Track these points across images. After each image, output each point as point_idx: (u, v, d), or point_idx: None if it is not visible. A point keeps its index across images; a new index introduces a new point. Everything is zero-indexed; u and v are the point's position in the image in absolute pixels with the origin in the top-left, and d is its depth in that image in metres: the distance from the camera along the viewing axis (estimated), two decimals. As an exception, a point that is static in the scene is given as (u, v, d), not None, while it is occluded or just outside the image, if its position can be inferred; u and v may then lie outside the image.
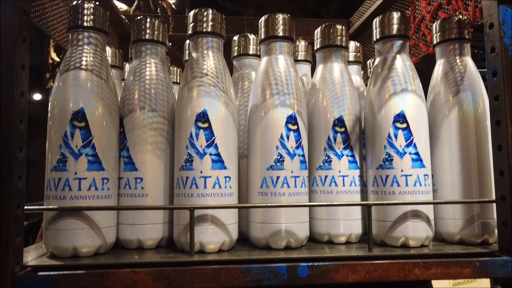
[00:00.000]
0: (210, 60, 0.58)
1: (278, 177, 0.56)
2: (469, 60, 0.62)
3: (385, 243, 0.57)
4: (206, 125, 0.55)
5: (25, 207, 0.48)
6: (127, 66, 0.85)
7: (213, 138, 0.55)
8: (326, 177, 0.60)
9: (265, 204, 0.54)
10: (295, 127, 0.57)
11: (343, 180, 0.59)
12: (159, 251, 0.55)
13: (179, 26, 1.39)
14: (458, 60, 0.62)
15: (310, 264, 0.48)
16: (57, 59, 2.38)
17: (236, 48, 0.71)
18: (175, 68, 0.86)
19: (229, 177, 0.55)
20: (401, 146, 0.56)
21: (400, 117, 0.57)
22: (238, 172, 0.59)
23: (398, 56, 0.60)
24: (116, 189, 0.57)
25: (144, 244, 0.56)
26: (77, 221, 0.51)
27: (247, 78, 0.70)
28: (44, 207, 0.51)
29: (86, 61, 0.55)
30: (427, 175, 0.57)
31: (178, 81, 0.85)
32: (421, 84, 0.60)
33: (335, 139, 0.60)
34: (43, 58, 2.44)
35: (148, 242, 0.56)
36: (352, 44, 0.78)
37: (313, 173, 0.61)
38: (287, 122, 0.57)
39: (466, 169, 0.58)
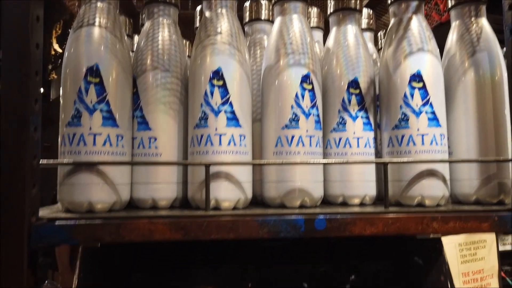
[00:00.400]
0: (224, 19, 0.57)
1: (293, 136, 0.55)
2: (485, 22, 0.61)
3: (400, 204, 0.56)
4: (221, 82, 0.54)
5: (40, 162, 0.47)
6: (136, 38, 0.84)
7: (228, 95, 0.54)
8: (340, 139, 0.59)
9: (281, 161, 0.54)
10: (310, 87, 0.57)
11: (358, 141, 0.59)
12: (173, 210, 0.55)
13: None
14: (473, 22, 0.61)
15: (328, 217, 0.48)
16: (60, 50, 2.37)
17: (248, 13, 0.71)
18: (184, 41, 0.86)
19: (244, 136, 0.55)
20: (417, 105, 0.56)
21: (417, 77, 0.56)
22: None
23: (413, 16, 0.59)
24: (130, 148, 0.56)
25: (158, 203, 0.56)
26: (92, 176, 0.50)
27: (259, 44, 0.69)
28: (59, 161, 0.50)
29: (100, 18, 0.54)
30: (443, 135, 0.56)
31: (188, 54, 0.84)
32: (437, 45, 0.59)
33: (349, 101, 0.60)
34: (46, 50, 2.43)
35: (162, 202, 0.56)
36: (365, 11, 0.77)
37: (327, 136, 0.60)
38: (302, 82, 0.56)
39: (482, 130, 0.57)
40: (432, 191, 0.54)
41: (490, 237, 1.16)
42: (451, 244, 1.10)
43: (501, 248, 1.25)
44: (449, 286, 0.68)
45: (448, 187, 0.56)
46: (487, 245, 1.15)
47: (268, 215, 0.48)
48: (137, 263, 0.69)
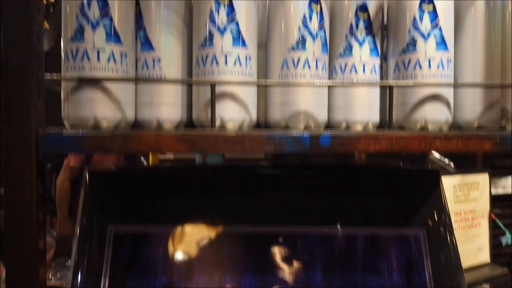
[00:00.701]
0: None
1: (299, 59, 0.55)
2: None
3: (403, 128, 0.57)
4: (226, 1, 0.53)
5: (44, 75, 0.47)
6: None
7: (234, 13, 0.53)
8: (346, 65, 0.59)
9: (287, 82, 0.54)
10: (318, 8, 0.55)
11: (364, 67, 0.58)
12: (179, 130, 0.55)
13: None
14: None
15: (333, 133, 0.48)
16: (52, 0, 2.28)
17: None
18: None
19: (250, 57, 0.54)
20: (426, 28, 0.55)
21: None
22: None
23: None
24: (134, 69, 0.55)
25: (163, 125, 0.56)
26: (97, 92, 0.50)
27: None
28: (63, 75, 0.50)
29: None
30: (450, 60, 0.56)
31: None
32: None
33: (357, 25, 0.59)
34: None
35: (167, 124, 0.56)
36: None
37: (333, 62, 0.60)
38: (310, 2, 0.55)
39: (489, 57, 0.57)
40: (435, 115, 0.55)
41: (483, 180, 1.19)
42: (446, 185, 1.12)
43: (493, 192, 1.28)
44: (446, 217, 0.70)
45: (451, 112, 0.56)
46: (480, 187, 1.18)
47: (274, 133, 0.48)
48: (137, 194, 0.69)
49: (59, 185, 2.24)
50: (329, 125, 0.60)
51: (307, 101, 0.55)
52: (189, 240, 0.66)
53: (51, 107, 0.53)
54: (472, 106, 0.57)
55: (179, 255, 0.65)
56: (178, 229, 0.66)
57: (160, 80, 0.54)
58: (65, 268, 1.39)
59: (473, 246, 1.20)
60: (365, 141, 0.48)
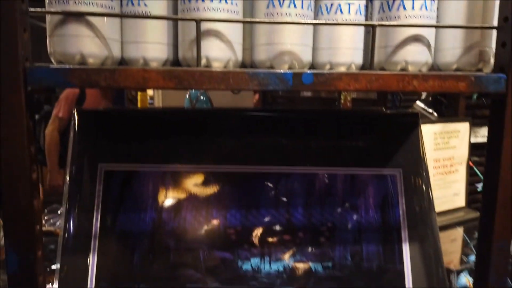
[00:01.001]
0: None
1: (284, -2, 0.55)
2: None
3: (384, 70, 0.58)
4: None
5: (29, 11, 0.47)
6: None
7: (220, -51, 0.52)
8: (332, 5, 0.59)
9: (272, 20, 0.54)
10: None
11: (349, 8, 0.59)
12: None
13: None
14: None
15: (315, 72, 0.50)
16: None
17: None
18: None
19: (235, -6, 0.54)
20: (411, -32, 0.55)
21: None
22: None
23: None
24: (119, 6, 0.55)
25: (149, 64, 0.57)
26: (83, 27, 0.50)
27: None
28: (47, 9, 0.50)
29: None
30: (433, 1, 0.57)
31: None
32: None
33: (343, -36, 0.58)
34: None
35: (153, 63, 0.57)
36: None
37: (318, 2, 0.60)
38: None
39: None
40: (416, 56, 0.56)
41: (464, 128, 1.23)
42: (428, 133, 1.16)
43: (473, 140, 1.33)
44: (422, 158, 0.74)
45: (432, 54, 0.58)
46: (460, 135, 1.22)
47: (258, 70, 0.50)
48: (126, 135, 0.71)
49: (48, 135, 2.24)
50: (313, 67, 0.61)
51: (292, 41, 0.55)
52: (177, 178, 0.68)
53: (37, 47, 0.53)
54: (452, 49, 0.59)
55: (168, 192, 0.68)
56: (167, 167, 0.68)
57: (145, 16, 0.54)
58: (57, 216, 1.43)
59: (450, 191, 1.26)
60: (346, 79, 0.50)
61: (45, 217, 1.43)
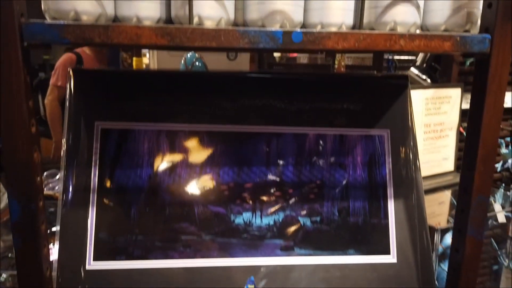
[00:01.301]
0: None
1: (277, -45, 0.55)
2: None
3: (373, 30, 0.59)
4: None
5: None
6: None
7: None
8: (323, -36, 0.60)
9: (263, -21, 0.55)
10: None
11: (340, -32, 0.59)
12: (158, 27, 0.57)
13: None
14: None
15: (304, 31, 0.51)
16: None
17: None
18: None
19: (227, -48, 0.54)
20: None
21: None
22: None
23: None
24: (111, -37, 0.55)
25: (143, 22, 0.57)
26: (76, -16, 0.51)
27: None
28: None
29: None
30: (424, -39, 0.57)
31: None
32: None
33: None
34: None
35: (146, 21, 0.57)
36: None
37: (310, -38, 0.60)
38: None
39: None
40: (404, 17, 0.57)
41: (455, 94, 1.24)
42: (419, 98, 1.18)
43: (464, 106, 1.35)
44: (410, 119, 0.76)
45: (420, 15, 0.59)
46: (452, 101, 1.24)
47: (249, 28, 0.51)
48: (123, 95, 0.72)
49: (49, 105, 2.22)
50: (304, 27, 0.62)
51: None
52: (172, 137, 0.71)
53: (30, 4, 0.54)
54: (441, 11, 0.60)
55: (163, 150, 0.70)
56: (162, 126, 0.70)
57: (138, -26, 0.55)
58: (56, 180, 1.46)
59: (439, 156, 1.30)
60: (335, 38, 0.51)
61: (44, 182, 1.46)
